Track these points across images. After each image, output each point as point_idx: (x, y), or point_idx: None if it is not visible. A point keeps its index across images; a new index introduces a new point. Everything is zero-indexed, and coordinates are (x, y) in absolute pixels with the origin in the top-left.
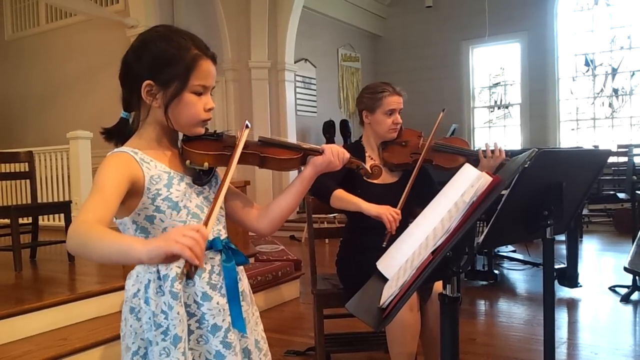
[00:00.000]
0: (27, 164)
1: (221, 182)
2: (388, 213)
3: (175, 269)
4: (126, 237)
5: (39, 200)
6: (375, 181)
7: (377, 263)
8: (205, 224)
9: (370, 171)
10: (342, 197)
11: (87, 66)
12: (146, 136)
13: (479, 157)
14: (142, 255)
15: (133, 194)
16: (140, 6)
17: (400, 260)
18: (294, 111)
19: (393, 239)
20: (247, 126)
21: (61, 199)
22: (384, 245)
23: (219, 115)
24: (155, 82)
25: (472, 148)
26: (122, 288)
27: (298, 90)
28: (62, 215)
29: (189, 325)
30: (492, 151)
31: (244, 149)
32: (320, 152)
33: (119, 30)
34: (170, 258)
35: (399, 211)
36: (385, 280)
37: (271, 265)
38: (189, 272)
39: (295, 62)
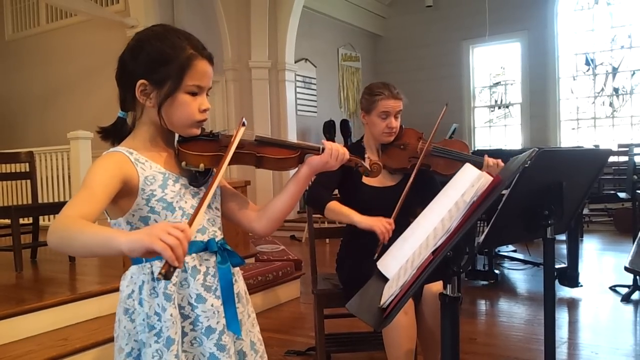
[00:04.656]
0: (27, 164)
1: (211, 182)
2: (381, 224)
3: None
4: (108, 229)
5: (40, 201)
6: (374, 184)
7: (378, 263)
8: (190, 224)
9: (369, 169)
10: (335, 209)
11: (88, 66)
12: (140, 136)
13: (477, 162)
14: (123, 245)
15: (127, 194)
16: (141, 6)
17: (400, 260)
18: (295, 111)
19: (386, 249)
20: (243, 124)
21: (62, 199)
22: (375, 258)
23: (219, 115)
24: (149, 81)
25: (471, 149)
26: None
27: (298, 90)
28: None
29: (183, 327)
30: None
31: (239, 148)
32: (318, 151)
33: (119, 30)
34: (151, 253)
35: (392, 221)
36: (385, 280)
37: (272, 265)
38: (167, 273)
39: (295, 62)
